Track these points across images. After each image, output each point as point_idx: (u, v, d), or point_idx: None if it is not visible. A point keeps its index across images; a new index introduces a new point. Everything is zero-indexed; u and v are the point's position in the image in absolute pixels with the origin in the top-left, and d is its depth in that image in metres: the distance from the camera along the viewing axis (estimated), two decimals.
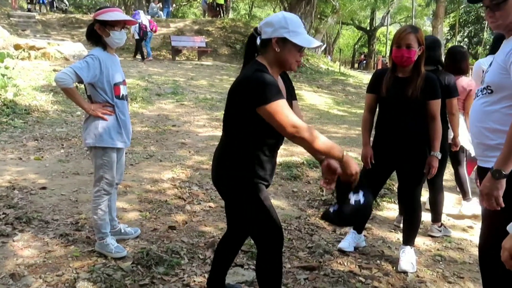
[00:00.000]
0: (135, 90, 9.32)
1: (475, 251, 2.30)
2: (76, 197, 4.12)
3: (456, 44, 31.17)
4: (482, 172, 2.05)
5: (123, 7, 26.28)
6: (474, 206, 4.18)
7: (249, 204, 2.07)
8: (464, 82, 3.83)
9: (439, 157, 2.93)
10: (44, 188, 4.27)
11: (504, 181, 1.90)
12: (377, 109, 3.13)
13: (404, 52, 2.80)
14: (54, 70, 9.77)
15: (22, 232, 3.33)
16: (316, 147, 1.89)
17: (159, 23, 20.02)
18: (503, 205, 1.93)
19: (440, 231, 3.73)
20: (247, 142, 2.02)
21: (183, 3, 35.45)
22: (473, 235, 3.76)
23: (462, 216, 4.21)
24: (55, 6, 21.34)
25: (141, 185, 4.53)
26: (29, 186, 4.30)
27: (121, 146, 3.09)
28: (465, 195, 4.24)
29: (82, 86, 3.02)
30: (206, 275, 2.81)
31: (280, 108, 1.84)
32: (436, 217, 3.74)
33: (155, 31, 15.25)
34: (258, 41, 2.01)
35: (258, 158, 2.04)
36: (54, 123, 6.91)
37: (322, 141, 1.89)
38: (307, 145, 1.89)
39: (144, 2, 24.89)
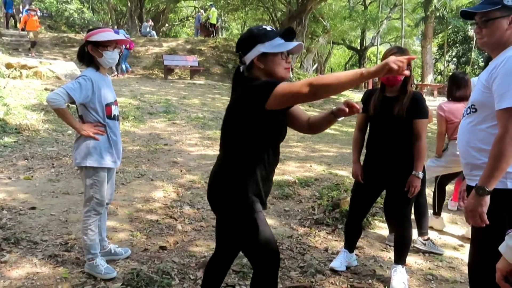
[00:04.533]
0: (127, 109, 9.33)
1: (466, 270, 2.30)
2: (66, 217, 4.08)
3: (445, 63, 31.73)
4: (470, 191, 2.08)
5: (116, 27, 26.45)
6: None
7: (245, 224, 2.05)
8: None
9: (421, 177, 2.94)
10: (33, 208, 4.23)
11: (488, 198, 1.93)
12: (368, 128, 3.17)
13: None
14: (46, 89, 9.75)
15: (10, 253, 3.28)
16: (338, 82, 1.74)
17: (152, 42, 20.20)
18: (487, 222, 1.95)
19: (425, 244, 3.74)
20: (245, 159, 2.02)
21: (176, 23, 35.81)
22: (464, 254, 3.77)
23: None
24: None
25: (132, 205, 4.50)
26: (18, 206, 4.26)
27: (112, 166, 3.08)
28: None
29: (74, 106, 3.02)
30: None
31: (286, 85, 1.83)
32: (421, 232, 3.77)
33: (129, 49, 15.25)
34: (242, 69, 2.06)
35: (255, 175, 2.03)
36: (44, 142, 6.87)
37: (336, 76, 1.76)
38: (330, 87, 1.76)
39: (137, 21, 25.11)
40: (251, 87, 1.95)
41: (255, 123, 1.96)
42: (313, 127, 2.16)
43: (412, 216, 3.62)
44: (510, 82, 1.88)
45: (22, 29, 16.63)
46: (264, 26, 2.08)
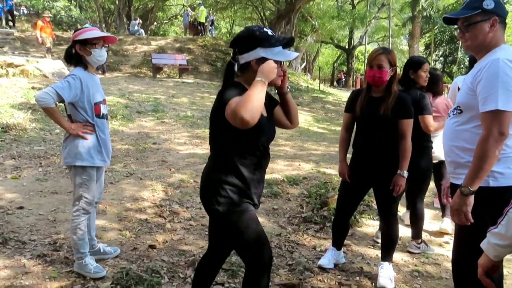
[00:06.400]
0: (115, 108, 9.28)
1: (451, 266, 2.36)
2: (54, 216, 4.06)
3: (432, 62, 32.07)
4: (454, 189, 2.13)
5: (103, 25, 26.25)
6: (442, 223, 4.31)
7: (236, 224, 2.06)
8: (447, 101, 3.98)
9: (405, 176, 2.98)
10: (21, 207, 4.20)
11: (472, 198, 1.98)
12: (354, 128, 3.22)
13: (375, 72, 2.92)
14: (33, 88, 9.66)
15: None
16: (253, 102, 1.83)
17: (140, 40, 20.10)
18: (472, 220, 2.00)
19: (419, 247, 3.79)
20: (232, 159, 2.04)
21: (165, 21, 35.63)
22: (449, 251, 3.80)
23: (441, 233, 4.26)
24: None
25: (121, 204, 4.50)
26: (5, 205, 4.23)
27: (101, 164, 3.09)
28: (444, 211, 4.32)
29: (62, 104, 3.02)
30: None
31: (230, 103, 1.88)
32: (417, 233, 3.81)
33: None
34: (236, 68, 2.04)
35: (243, 176, 2.05)
36: (32, 141, 6.81)
37: (252, 96, 1.85)
38: (252, 107, 1.81)
39: (125, 19, 24.94)
40: (220, 98, 1.99)
41: (231, 129, 1.94)
42: (288, 117, 2.26)
43: (400, 214, 3.69)
44: (493, 85, 1.93)
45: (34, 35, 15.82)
46: (265, 29, 2.06)
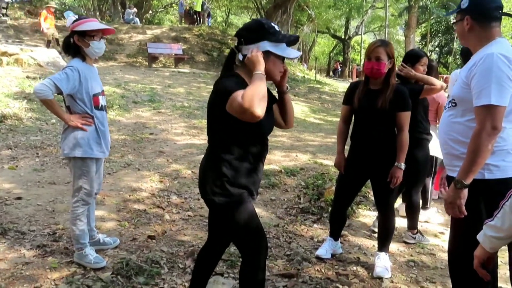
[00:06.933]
0: (111, 98, 9.23)
1: (446, 257, 2.40)
2: (52, 207, 4.08)
3: (428, 53, 32.08)
4: (450, 181, 2.17)
5: (98, 13, 25.99)
6: (428, 215, 4.41)
7: (233, 215, 2.08)
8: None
9: (403, 168, 3.01)
10: (19, 198, 4.21)
11: (465, 191, 2.02)
12: (353, 120, 3.24)
13: (374, 64, 2.94)
14: (28, 77, 9.59)
15: None
16: (260, 89, 1.85)
17: (135, 29, 19.94)
18: (465, 213, 2.04)
19: (415, 238, 3.85)
20: (229, 151, 2.05)
21: (160, 10, 35.30)
22: (445, 241, 3.89)
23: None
24: None
25: (119, 194, 4.51)
26: (3, 196, 4.23)
27: (100, 156, 3.09)
28: (424, 204, 4.38)
29: (59, 95, 3.02)
30: (187, 284, 2.85)
31: (235, 96, 1.87)
32: (412, 224, 3.86)
33: None
34: (241, 57, 2.03)
35: (240, 167, 2.06)
36: (28, 131, 6.78)
37: (255, 88, 1.85)
38: (261, 102, 1.83)
39: (119, 8, 24.69)
40: (220, 88, 1.99)
41: (230, 120, 1.96)
42: (283, 117, 2.28)
43: (396, 205, 3.73)
44: (487, 79, 1.96)
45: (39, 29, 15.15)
46: (273, 24, 2.08)
